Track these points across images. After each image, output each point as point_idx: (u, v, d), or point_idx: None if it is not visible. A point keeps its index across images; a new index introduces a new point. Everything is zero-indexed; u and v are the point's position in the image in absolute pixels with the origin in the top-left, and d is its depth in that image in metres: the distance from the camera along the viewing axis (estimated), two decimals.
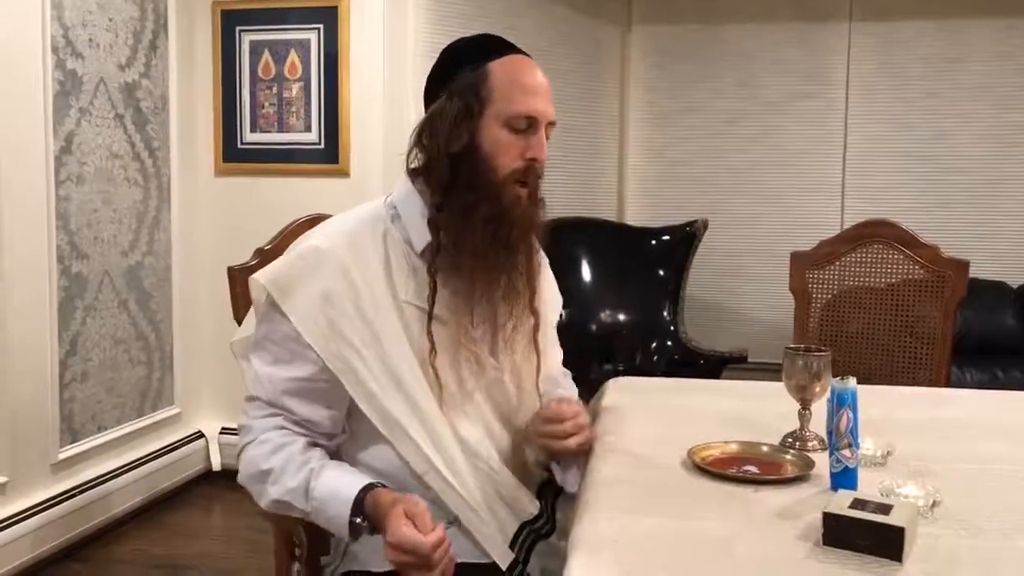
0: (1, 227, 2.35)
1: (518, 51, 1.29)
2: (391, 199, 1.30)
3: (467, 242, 1.22)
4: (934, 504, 1.07)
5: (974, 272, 2.29)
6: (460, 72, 1.25)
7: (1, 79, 2.33)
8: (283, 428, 1.23)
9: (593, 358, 3.17)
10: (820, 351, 1.35)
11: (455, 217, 1.22)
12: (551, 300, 1.46)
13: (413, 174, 1.29)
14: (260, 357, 1.24)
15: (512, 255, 1.26)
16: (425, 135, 1.26)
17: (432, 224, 1.24)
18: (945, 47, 3.50)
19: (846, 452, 1.13)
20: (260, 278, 1.23)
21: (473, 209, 1.22)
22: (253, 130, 3.28)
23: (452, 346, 1.25)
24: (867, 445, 1.26)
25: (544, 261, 1.42)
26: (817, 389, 1.34)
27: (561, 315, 1.53)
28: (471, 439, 1.26)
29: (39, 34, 2.47)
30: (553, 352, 1.48)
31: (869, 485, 1.12)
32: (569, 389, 1.50)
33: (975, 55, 3.49)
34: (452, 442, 1.25)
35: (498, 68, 1.24)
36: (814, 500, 1.11)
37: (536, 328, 1.33)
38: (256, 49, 3.25)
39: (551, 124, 1.27)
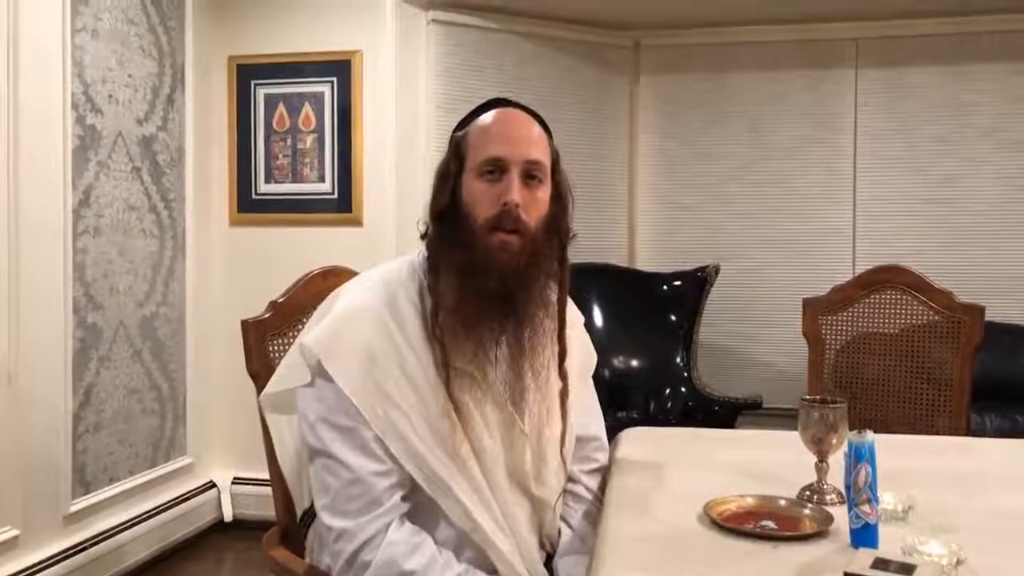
0: (20, 280, 2.38)
1: (513, 105, 1.29)
2: (423, 257, 1.30)
3: (458, 295, 1.21)
4: (958, 562, 1.05)
5: (990, 316, 2.27)
6: (454, 135, 1.29)
7: (22, 137, 2.38)
8: (396, 520, 1.20)
9: (606, 405, 3.15)
10: (836, 403, 1.33)
11: (446, 273, 1.22)
12: (581, 362, 1.43)
13: (423, 238, 1.30)
14: (337, 441, 1.20)
15: (509, 306, 1.23)
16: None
17: (431, 288, 1.24)
18: (952, 92, 3.52)
19: (865, 508, 1.11)
20: (307, 341, 1.23)
21: (454, 261, 1.22)
22: (267, 181, 3.32)
23: (477, 406, 1.25)
24: (887, 499, 1.24)
25: (573, 318, 1.39)
26: (834, 441, 1.32)
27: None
28: (503, 500, 1.26)
29: (60, 92, 2.52)
30: (583, 419, 1.43)
31: (890, 542, 1.10)
32: (580, 514, 1.42)
33: (983, 99, 3.50)
34: (492, 502, 1.25)
35: (475, 124, 1.27)
36: (834, 558, 1.09)
37: (549, 391, 1.31)
38: (271, 102, 3.31)
39: (533, 164, 1.23)
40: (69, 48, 2.55)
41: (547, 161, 1.26)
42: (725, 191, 3.70)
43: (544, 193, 1.26)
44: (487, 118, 1.27)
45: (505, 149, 1.22)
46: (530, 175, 1.23)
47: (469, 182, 1.24)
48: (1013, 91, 3.48)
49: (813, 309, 2.37)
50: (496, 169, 1.22)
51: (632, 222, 3.78)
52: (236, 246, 3.34)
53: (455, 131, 1.30)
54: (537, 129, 1.27)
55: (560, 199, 1.28)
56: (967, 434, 2.16)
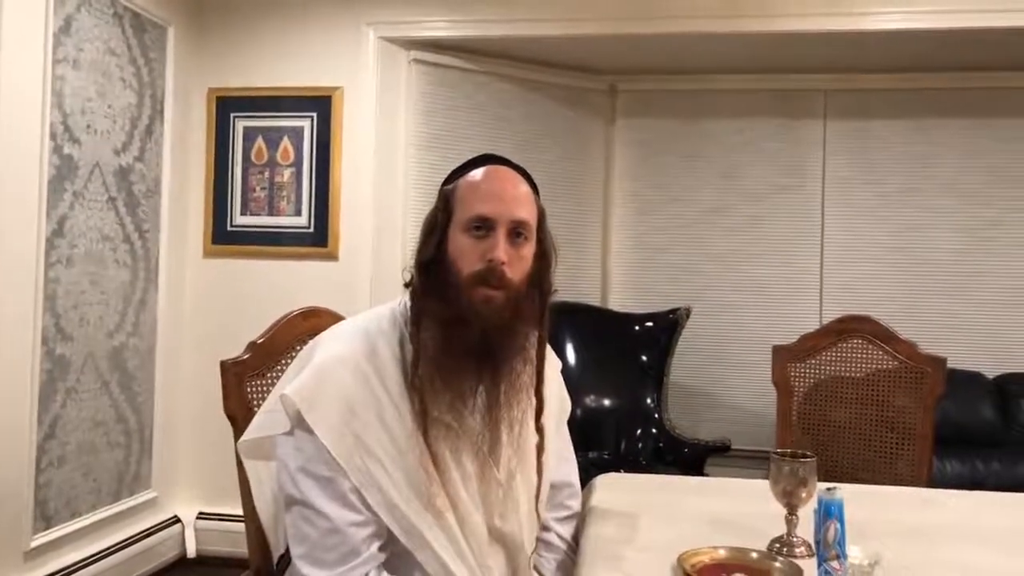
0: None
1: (503, 162, 1.32)
2: (405, 306, 1.31)
3: (439, 346, 1.23)
4: None
5: (951, 363, 2.34)
6: (444, 188, 1.31)
7: None
8: (374, 570, 1.20)
9: (577, 444, 3.16)
10: (806, 457, 1.37)
11: (428, 324, 1.24)
12: (557, 410, 1.45)
13: (407, 286, 1.32)
14: (315, 491, 1.20)
15: (489, 359, 1.25)
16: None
17: (412, 337, 1.25)
18: (914, 145, 3.64)
19: (834, 564, 1.14)
20: (287, 392, 1.23)
21: (437, 312, 1.24)
22: (243, 213, 3.32)
23: (454, 456, 1.26)
24: (854, 553, 1.27)
25: (551, 366, 1.41)
26: (803, 495, 1.35)
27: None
28: (479, 552, 1.27)
29: (38, 121, 2.51)
30: (557, 465, 1.45)
31: None
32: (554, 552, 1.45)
33: (944, 152, 3.63)
34: (468, 553, 1.25)
35: (465, 179, 1.29)
36: None
37: (529, 445, 1.33)
38: (250, 135, 3.32)
39: (519, 223, 1.25)
40: (49, 78, 2.55)
41: (533, 220, 1.29)
42: (697, 234, 3.77)
43: (528, 251, 1.28)
44: (477, 174, 1.29)
45: (493, 207, 1.24)
46: (516, 233, 1.26)
47: (456, 236, 1.26)
48: (972, 145, 3.61)
49: (783, 357, 2.42)
50: (483, 226, 1.24)
51: (606, 262, 3.83)
52: (209, 277, 3.32)
53: (444, 184, 1.32)
54: (525, 188, 1.30)
55: (544, 256, 1.31)
56: (928, 481, 2.22)
